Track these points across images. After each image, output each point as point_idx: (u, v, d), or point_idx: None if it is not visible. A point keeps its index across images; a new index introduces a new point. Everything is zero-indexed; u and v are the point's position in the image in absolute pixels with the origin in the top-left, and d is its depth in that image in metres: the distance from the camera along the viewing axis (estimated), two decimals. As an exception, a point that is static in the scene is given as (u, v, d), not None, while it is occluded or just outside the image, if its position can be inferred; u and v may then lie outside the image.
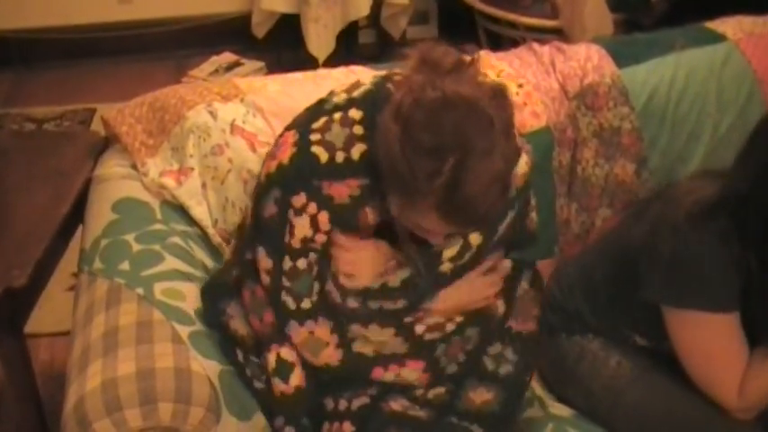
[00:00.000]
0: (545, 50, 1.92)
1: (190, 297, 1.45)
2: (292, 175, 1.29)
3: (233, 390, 1.35)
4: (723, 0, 2.18)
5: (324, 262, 1.33)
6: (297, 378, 1.37)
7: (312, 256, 1.32)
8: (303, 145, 1.30)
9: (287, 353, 1.37)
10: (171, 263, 1.50)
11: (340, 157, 1.28)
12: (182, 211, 1.64)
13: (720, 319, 1.40)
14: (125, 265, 1.47)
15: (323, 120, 1.32)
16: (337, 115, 1.32)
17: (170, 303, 1.41)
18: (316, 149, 1.29)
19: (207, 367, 1.33)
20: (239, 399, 1.36)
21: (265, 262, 1.33)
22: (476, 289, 1.43)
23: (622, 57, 1.89)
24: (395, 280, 1.36)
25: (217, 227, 1.63)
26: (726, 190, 1.38)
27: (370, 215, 1.31)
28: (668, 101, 1.86)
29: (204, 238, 1.63)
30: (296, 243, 1.30)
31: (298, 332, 1.34)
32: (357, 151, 1.28)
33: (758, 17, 2.01)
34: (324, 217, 1.29)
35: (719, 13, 2.08)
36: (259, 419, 1.38)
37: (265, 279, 1.33)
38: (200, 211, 1.62)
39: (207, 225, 1.62)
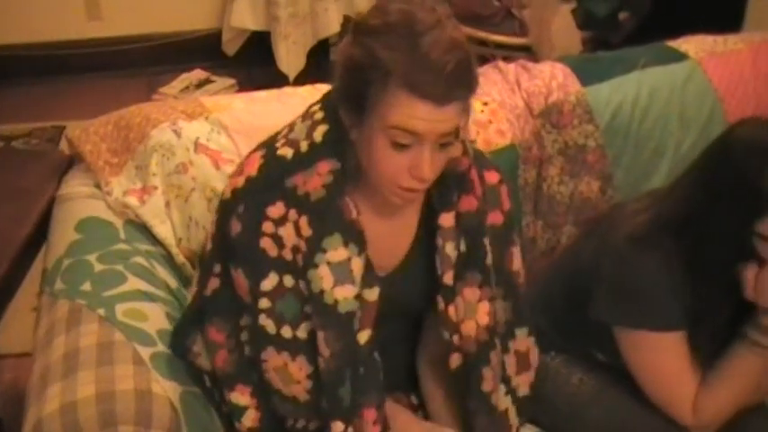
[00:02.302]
0: (510, 68, 1.94)
1: (152, 318, 1.43)
2: (262, 184, 1.28)
3: (195, 411, 1.34)
4: (690, 19, 2.22)
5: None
6: (249, 420, 1.36)
7: (300, 281, 1.28)
8: (269, 153, 1.31)
9: (237, 396, 1.36)
10: (133, 283, 1.48)
11: (304, 146, 1.28)
12: (146, 231, 1.62)
13: (665, 337, 1.42)
14: (87, 286, 1.45)
15: (286, 129, 1.34)
16: (299, 118, 1.34)
17: (132, 324, 1.39)
18: (281, 151, 1.30)
19: (168, 389, 1.31)
20: (201, 420, 1.35)
21: (243, 283, 1.30)
22: None
23: (587, 75, 1.91)
24: None
25: (181, 245, 1.62)
26: (665, 212, 1.41)
27: (352, 207, 1.28)
28: (632, 118, 1.88)
29: (168, 258, 1.62)
30: (287, 254, 1.27)
31: (274, 358, 1.32)
32: (319, 133, 1.28)
33: (719, 36, 2.04)
34: (303, 222, 1.26)
35: (687, 31, 2.10)
36: (222, 441, 1.38)
37: (247, 298, 1.30)
38: (163, 230, 1.61)
39: (171, 244, 1.61)
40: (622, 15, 3.33)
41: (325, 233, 1.27)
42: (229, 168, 1.62)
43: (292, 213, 1.26)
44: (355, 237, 1.28)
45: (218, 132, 1.67)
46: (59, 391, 1.26)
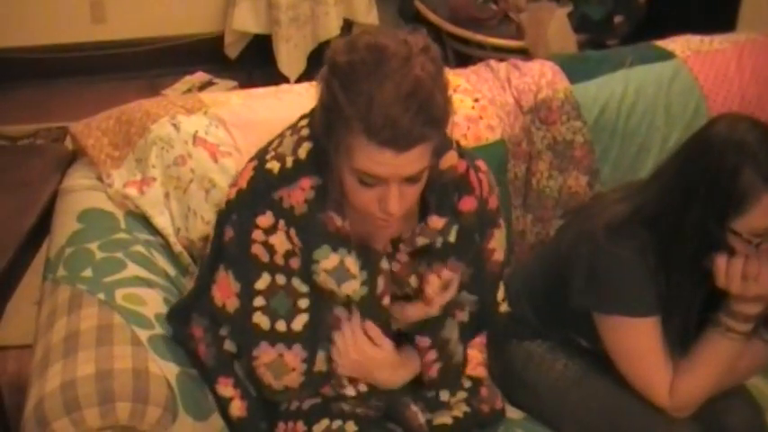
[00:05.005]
0: (501, 67, 1.99)
1: (150, 302, 1.48)
2: (251, 196, 1.33)
3: (190, 391, 1.39)
4: (684, 22, 2.27)
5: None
6: (236, 410, 1.42)
7: (293, 279, 1.34)
8: (259, 165, 1.36)
9: (221, 389, 1.42)
10: (133, 270, 1.53)
11: (289, 161, 1.33)
12: (145, 221, 1.67)
13: (640, 323, 1.47)
14: (88, 272, 1.50)
15: (277, 140, 1.39)
16: (289, 131, 1.38)
17: (130, 308, 1.44)
18: (269, 165, 1.34)
19: (165, 369, 1.36)
20: (196, 399, 1.39)
21: (234, 286, 1.35)
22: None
23: (575, 73, 1.96)
24: None
25: (179, 235, 1.67)
26: (641, 204, 1.46)
27: (336, 219, 1.32)
28: (619, 115, 1.93)
29: (166, 247, 1.66)
30: (279, 259, 1.32)
31: (267, 353, 1.36)
32: (304, 150, 1.32)
33: (705, 36, 2.09)
34: (292, 233, 1.32)
35: (679, 33, 2.15)
36: (216, 420, 1.42)
37: (234, 303, 1.36)
38: (162, 221, 1.66)
39: (169, 234, 1.66)
40: (617, 19, 3.38)
41: (314, 246, 1.33)
42: (227, 161, 1.68)
43: (281, 224, 1.32)
44: (342, 241, 1.33)
45: (215, 126, 1.72)
46: (60, 370, 1.31)
